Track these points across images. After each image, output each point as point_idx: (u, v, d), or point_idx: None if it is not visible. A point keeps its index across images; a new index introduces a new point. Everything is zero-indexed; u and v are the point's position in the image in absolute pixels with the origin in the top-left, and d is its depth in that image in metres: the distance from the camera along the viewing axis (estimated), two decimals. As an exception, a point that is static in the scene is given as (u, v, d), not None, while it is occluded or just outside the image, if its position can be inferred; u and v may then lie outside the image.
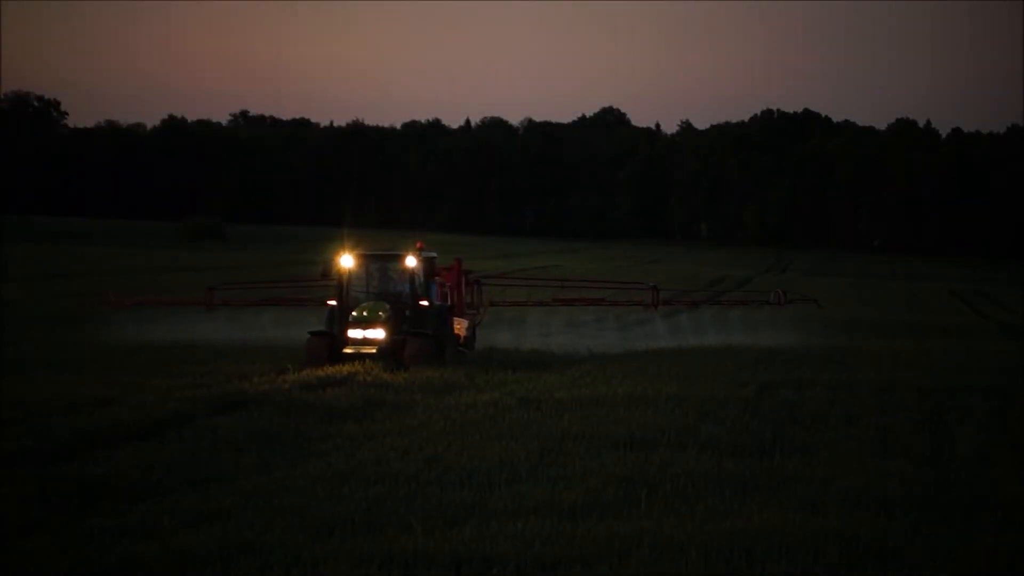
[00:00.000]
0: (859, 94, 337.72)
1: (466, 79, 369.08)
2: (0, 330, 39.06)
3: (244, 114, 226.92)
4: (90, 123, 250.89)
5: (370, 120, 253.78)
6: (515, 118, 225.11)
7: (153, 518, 14.86)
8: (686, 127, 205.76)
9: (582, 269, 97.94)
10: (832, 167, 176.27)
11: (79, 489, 16.26)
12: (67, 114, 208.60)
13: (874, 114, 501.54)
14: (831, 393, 26.40)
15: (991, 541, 14.29)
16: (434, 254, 33.93)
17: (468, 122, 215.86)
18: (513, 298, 45.49)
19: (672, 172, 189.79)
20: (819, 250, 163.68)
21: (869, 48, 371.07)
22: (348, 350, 31.00)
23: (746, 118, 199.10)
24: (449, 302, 35.33)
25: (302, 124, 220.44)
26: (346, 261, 32.32)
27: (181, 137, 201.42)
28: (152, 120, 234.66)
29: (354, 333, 31.28)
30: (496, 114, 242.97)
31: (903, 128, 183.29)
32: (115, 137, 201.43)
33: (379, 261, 33.20)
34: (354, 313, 31.56)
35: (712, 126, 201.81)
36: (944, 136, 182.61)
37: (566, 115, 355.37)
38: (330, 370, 29.08)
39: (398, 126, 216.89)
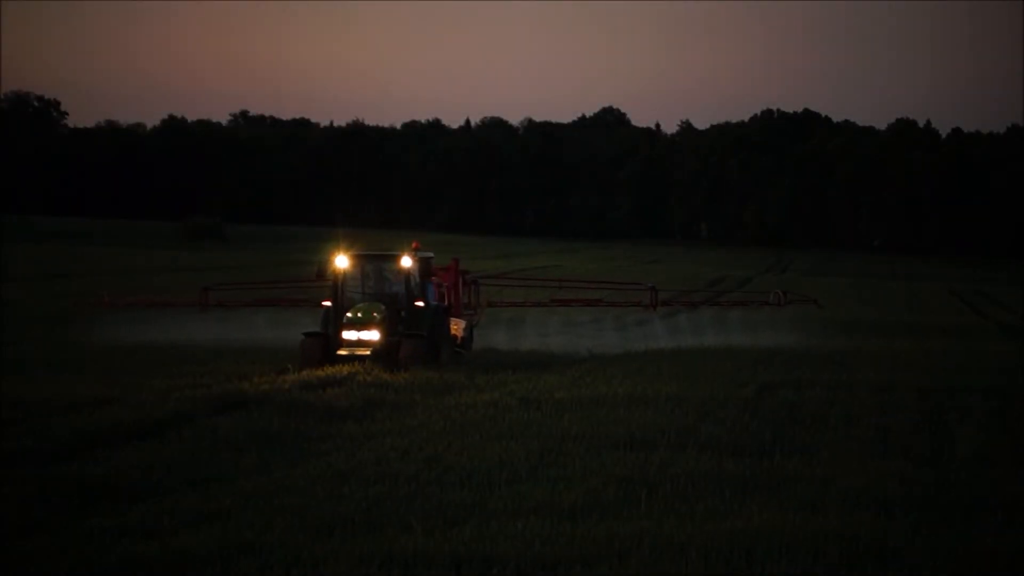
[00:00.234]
0: (859, 94, 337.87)
1: (466, 79, 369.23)
2: (0, 330, 39.06)
3: (244, 114, 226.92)
4: (90, 123, 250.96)
5: (370, 120, 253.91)
6: (515, 118, 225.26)
7: (153, 518, 14.87)
8: (686, 127, 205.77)
9: (582, 269, 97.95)
10: (832, 167, 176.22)
11: (79, 489, 16.26)
12: (67, 114, 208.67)
13: (874, 114, 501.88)
14: (831, 393, 26.40)
15: (991, 541, 14.29)
16: (430, 254, 33.69)
17: (468, 122, 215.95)
18: (511, 299, 45.37)
19: (672, 172, 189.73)
20: (819, 250, 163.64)
21: (869, 48, 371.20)
22: (342, 352, 30.69)
23: (746, 118, 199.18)
24: (446, 302, 35.14)
25: (302, 124, 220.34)
26: (341, 261, 32.01)
27: (181, 137, 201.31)
28: (152, 120, 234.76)
29: (349, 334, 30.96)
30: (496, 114, 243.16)
31: (903, 128, 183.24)
32: (115, 137, 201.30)
33: (374, 261, 32.89)
34: (348, 314, 31.23)
35: (712, 126, 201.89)
36: (944, 136, 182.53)
37: (566, 115, 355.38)
38: (330, 370, 29.03)
39: (398, 126, 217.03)
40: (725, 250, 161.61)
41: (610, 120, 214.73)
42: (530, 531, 14.28)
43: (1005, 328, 58.09)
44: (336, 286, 31.96)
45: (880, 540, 14.06)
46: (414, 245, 32.86)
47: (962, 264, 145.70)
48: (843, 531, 14.26)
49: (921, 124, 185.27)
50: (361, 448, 19.60)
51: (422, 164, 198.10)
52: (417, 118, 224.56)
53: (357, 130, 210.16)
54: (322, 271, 33.02)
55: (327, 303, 32.17)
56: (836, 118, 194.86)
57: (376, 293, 32.40)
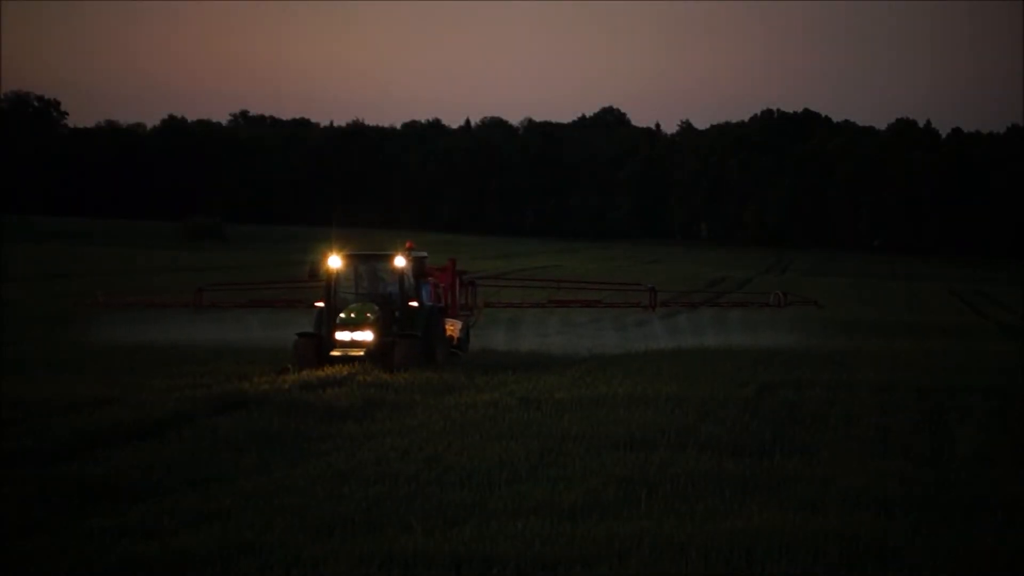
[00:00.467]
0: (859, 94, 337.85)
1: (466, 79, 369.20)
2: (0, 330, 39.06)
3: (244, 114, 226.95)
4: (90, 123, 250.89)
5: (370, 120, 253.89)
6: (515, 118, 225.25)
7: (153, 518, 14.86)
8: (686, 127, 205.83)
9: (582, 269, 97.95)
10: (832, 167, 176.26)
11: (79, 489, 16.25)
12: (67, 114, 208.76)
13: (874, 114, 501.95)
14: (831, 393, 26.40)
15: (991, 541, 14.29)
16: (424, 254, 33.32)
17: (468, 122, 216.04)
18: (509, 299, 45.24)
19: (672, 172, 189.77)
20: (819, 250, 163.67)
21: (869, 48, 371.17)
22: (336, 352, 30.37)
23: (746, 118, 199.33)
24: (443, 303, 34.88)
25: (302, 124, 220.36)
26: (334, 261, 31.66)
27: (181, 137, 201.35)
28: (152, 120, 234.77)
29: (342, 335, 30.64)
30: (496, 114, 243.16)
31: (903, 128, 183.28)
32: (115, 137, 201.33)
33: (368, 261, 32.58)
34: (342, 315, 30.89)
35: (712, 126, 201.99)
36: (944, 136, 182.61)
37: (566, 115, 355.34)
38: (330, 370, 28.98)
39: (398, 126, 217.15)
40: (725, 250, 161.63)
41: (610, 120, 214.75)
42: (530, 531, 14.28)
43: (1005, 328, 58.10)
44: (329, 286, 31.63)
45: (880, 540, 14.05)
46: (408, 245, 32.51)
47: (962, 264, 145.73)
48: (843, 531, 14.25)
49: (921, 124, 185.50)
50: (361, 448, 19.60)
51: (422, 164, 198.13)
52: (417, 118, 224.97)
53: (357, 130, 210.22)
54: (314, 271, 32.60)
55: (320, 304, 31.84)
56: (836, 118, 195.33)
57: (370, 293, 32.10)
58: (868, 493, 16.45)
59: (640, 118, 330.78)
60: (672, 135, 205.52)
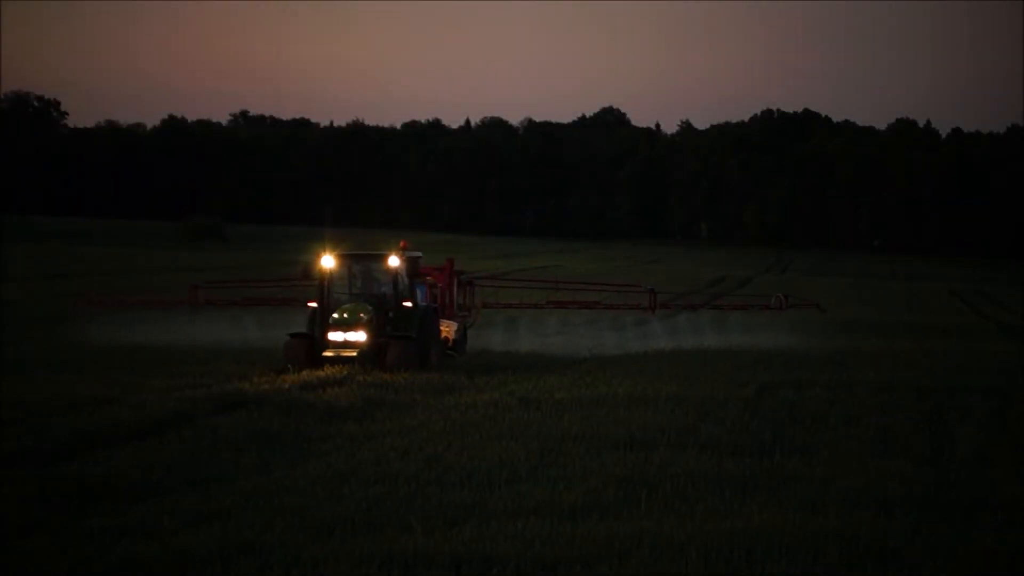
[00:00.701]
0: (859, 94, 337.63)
1: (466, 79, 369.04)
2: (0, 330, 39.05)
3: (244, 114, 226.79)
4: (90, 123, 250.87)
5: (370, 120, 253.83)
6: (515, 118, 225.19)
7: (153, 518, 14.86)
8: (686, 127, 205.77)
9: (582, 269, 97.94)
10: (832, 167, 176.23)
11: (79, 489, 16.25)
12: (67, 114, 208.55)
13: (874, 114, 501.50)
14: (831, 393, 26.42)
15: (991, 541, 14.30)
16: (419, 254, 32.94)
17: (468, 122, 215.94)
18: (507, 300, 45.07)
19: (672, 172, 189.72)
20: (819, 250, 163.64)
21: (869, 48, 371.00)
22: (328, 353, 30.01)
23: (746, 118, 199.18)
24: (439, 303, 34.61)
25: (302, 124, 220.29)
26: (327, 261, 31.35)
27: (181, 137, 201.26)
28: (152, 120, 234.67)
29: (334, 336, 30.31)
30: (496, 114, 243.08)
31: (903, 128, 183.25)
32: (115, 137, 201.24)
33: (361, 261, 32.29)
34: (334, 315, 30.56)
35: (712, 126, 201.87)
36: (944, 136, 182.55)
37: (566, 115, 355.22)
38: (329, 371, 28.92)
39: (398, 126, 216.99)
40: (725, 250, 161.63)
41: (610, 120, 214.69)
42: (530, 531, 14.28)
43: (1005, 328, 58.10)
44: (322, 286, 31.39)
45: (880, 540, 14.06)
46: (402, 244, 32.22)
47: (962, 264, 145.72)
48: (843, 531, 14.26)
49: (921, 124, 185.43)
50: (361, 448, 19.60)
51: (422, 164, 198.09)
52: (417, 118, 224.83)
53: (357, 130, 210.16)
54: (307, 271, 32.21)
55: (313, 303, 31.57)
56: (836, 118, 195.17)
57: (364, 294, 31.80)
58: (868, 493, 16.46)
59: (640, 118, 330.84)
60: (672, 135, 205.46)
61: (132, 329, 38.92)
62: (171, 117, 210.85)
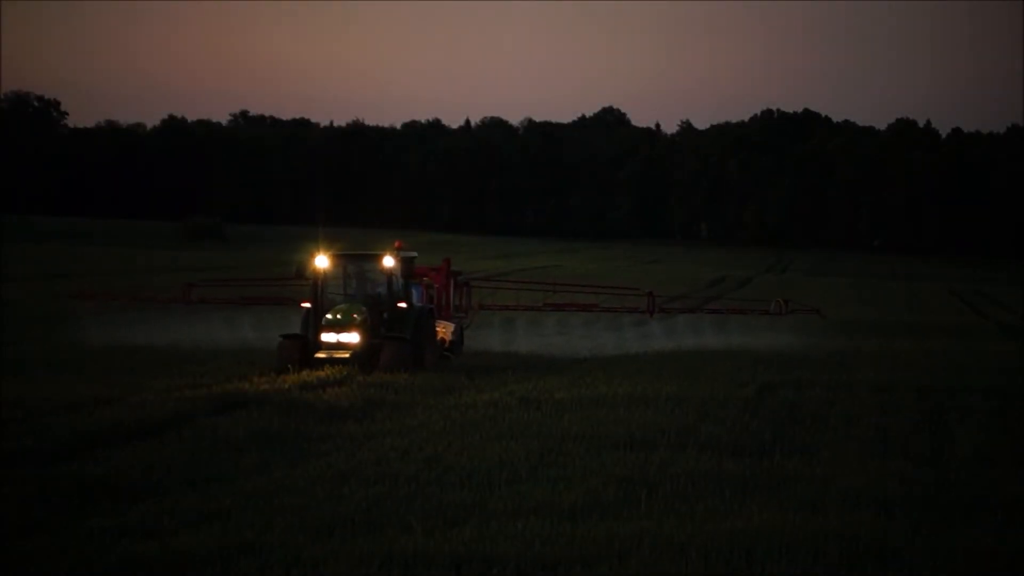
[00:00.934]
0: (859, 94, 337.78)
1: (466, 79, 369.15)
2: (0, 330, 39.04)
3: (244, 114, 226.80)
4: (90, 123, 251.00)
5: (370, 120, 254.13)
6: (515, 118, 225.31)
7: (153, 518, 14.86)
8: (686, 127, 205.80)
9: (582, 269, 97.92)
10: (832, 167, 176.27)
11: (79, 489, 16.24)
12: (67, 114, 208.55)
13: (874, 114, 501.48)
14: (831, 393, 26.42)
15: (991, 541, 14.30)
16: (414, 254, 32.69)
17: (468, 122, 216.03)
18: (503, 301, 44.86)
19: (672, 172, 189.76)
20: (819, 250, 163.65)
21: (869, 48, 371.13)
22: (320, 355, 29.62)
23: (746, 118, 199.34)
24: (435, 304, 34.25)
25: (302, 124, 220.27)
26: (321, 261, 30.94)
27: (181, 137, 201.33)
28: (152, 120, 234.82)
29: (327, 337, 29.92)
30: (496, 114, 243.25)
31: (903, 128, 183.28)
32: (115, 137, 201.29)
33: (356, 261, 31.93)
34: (328, 316, 30.17)
35: (712, 126, 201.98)
36: (944, 136, 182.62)
37: (566, 115, 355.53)
38: (329, 371, 28.85)
39: (398, 126, 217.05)
40: (725, 250, 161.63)
41: (610, 120, 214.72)
42: (530, 531, 14.28)
43: (1005, 328, 58.09)
44: (316, 286, 31.02)
45: (880, 540, 14.06)
46: (397, 244, 31.78)
47: (962, 264, 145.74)
48: (843, 531, 14.26)
49: (921, 124, 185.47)
50: (361, 448, 19.59)
51: (422, 164, 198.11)
52: (417, 118, 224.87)
53: (357, 130, 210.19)
54: (300, 271, 31.74)
55: (306, 304, 31.23)
56: (836, 118, 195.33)
57: (358, 294, 31.48)
58: (868, 493, 16.45)
59: (640, 118, 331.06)
60: (672, 135, 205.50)
61: (131, 329, 38.89)
62: (171, 117, 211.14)
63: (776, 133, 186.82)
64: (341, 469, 17.73)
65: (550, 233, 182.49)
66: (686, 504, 15.78)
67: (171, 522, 14.69)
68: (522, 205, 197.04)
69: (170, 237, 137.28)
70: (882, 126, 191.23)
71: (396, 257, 31.05)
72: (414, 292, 32.04)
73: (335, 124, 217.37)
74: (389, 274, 31.15)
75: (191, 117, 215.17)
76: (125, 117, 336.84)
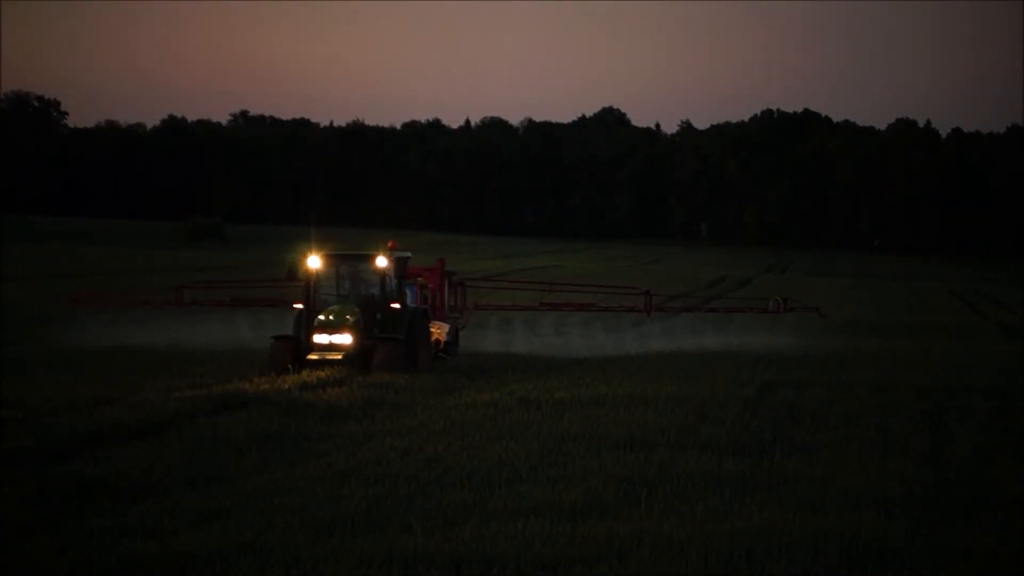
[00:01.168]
0: (859, 94, 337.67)
1: (466, 79, 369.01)
2: (0, 330, 39.03)
3: (244, 114, 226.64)
4: (90, 123, 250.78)
5: (370, 120, 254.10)
6: (515, 118, 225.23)
7: (153, 518, 14.86)
8: (686, 127, 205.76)
9: (582, 269, 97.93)
10: (832, 167, 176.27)
11: (79, 489, 16.24)
12: (67, 114, 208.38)
13: (874, 114, 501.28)
14: (831, 393, 26.42)
15: (991, 541, 14.29)
16: (408, 254, 32.24)
17: (468, 122, 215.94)
18: (499, 301, 44.65)
19: (672, 172, 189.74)
20: (819, 250, 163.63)
21: (869, 48, 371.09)
22: (313, 356, 29.28)
23: (746, 118, 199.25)
24: (429, 304, 33.98)
25: (302, 124, 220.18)
26: (313, 262, 30.59)
27: (181, 137, 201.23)
28: (152, 120, 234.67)
29: (319, 338, 29.59)
30: (496, 114, 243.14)
31: (903, 128, 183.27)
32: (115, 137, 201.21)
33: (348, 262, 31.57)
34: (320, 317, 29.83)
35: (712, 126, 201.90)
36: (944, 136, 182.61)
37: (566, 115, 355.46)
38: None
39: (398, 126, 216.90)
40: (725, 250, 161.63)
41: (610, 120, 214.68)
42: (530, 531, 14.28)
43: (1005, 328, 58.11)
44: (308, 287, 30.68)
45: (880, 540, 14.06)
46: (390, 244, 31.53)
47: (962, 264, 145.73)
48: (843, 531, 14.25)
49: (921, 124, 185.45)
50: (361, 448, 19.60)
51: (422, 164, 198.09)
52: (417, 118, 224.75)
53: (357, 130, 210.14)
54: (292, 271, 31.34)
55: (298, 305, 30.94)
56: (836, 118, 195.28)
57: (351, 295, 31.16)
58: (868, 493, 16.45)
59: (640, 118, 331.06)
60: (672, 135, 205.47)
61: (131, 329, 38.88)
62: (171, 117, 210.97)
63: (776, 133, 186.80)
64: (341, 469, 17.73)
65: (550, 233, 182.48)
66: (686, 504, 15.78)
67: (171, 522, 14.69)
68: (522, 205, 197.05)
69: (170, 237, 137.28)
70: (882, 126, 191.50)
71: (389, 257, 30.76)
72: (408, 292, 31.77)
73: (335, 124, 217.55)
74: (382, 274, 30.87)
75: (191, 117, 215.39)
76: (125, 117, 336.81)
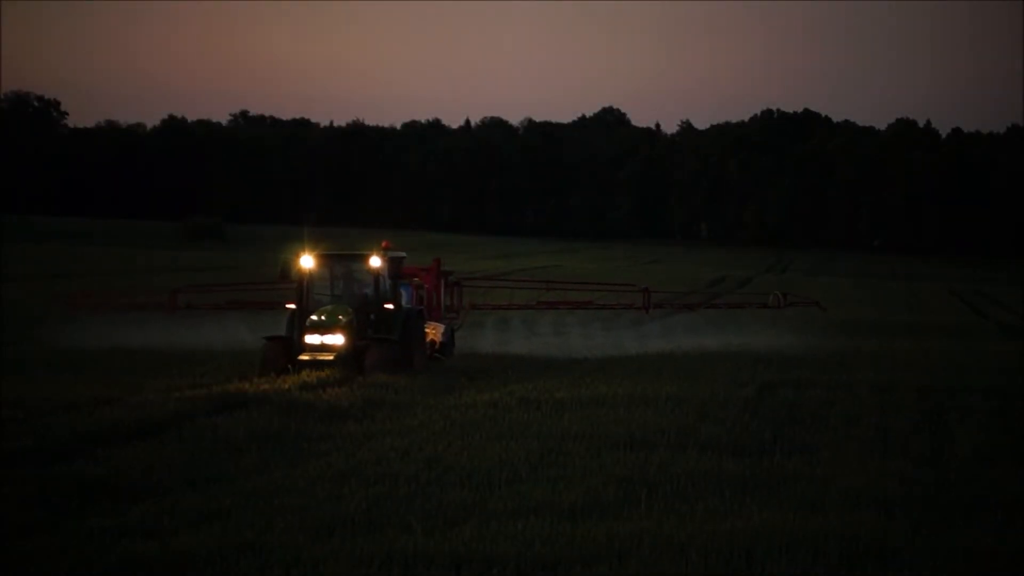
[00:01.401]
0: (859, 94, 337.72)
1: (466, 79, 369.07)
2: (0, 330, 39.02)
3: (244, 114, 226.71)
4: (90, 123, 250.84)
5: (370, 120, 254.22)
6: (515, 118, 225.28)
7: (153, 518, 14.86)
8: (686, 127, 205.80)
9: (581, 269, 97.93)
10: (832, 167, 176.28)
11: (79, 489, 16.24)
12: (67, 114, 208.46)
13: (874, 114, 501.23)
14: (831, 393, 26.42)
15: (991, 541, 14.30)
16: (403, 254, 32.10)
17: (468, 122, 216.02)
18: (495, 301, 44.45)
19: (672, 172, 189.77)
20: (819, 250, 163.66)
21: (869, 48, 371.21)
22: (304, 357, 28.88)
23: (746, 118, 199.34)
24: (425, 305, 33.75)
25: (302, 124, 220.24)
26: (306, 261, 30.27)
27: (181, 137, 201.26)
28: (152, 120, 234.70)
29: (311, 339, 29.23)
30: (496, 114, 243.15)
31: (903, 128, 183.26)
32: (115, 137, 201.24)
33: (342, 262, 31.29)
34: (313, 317, 29.51)
35: (712, 126, 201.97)
36: (944, 136, 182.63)
37: (566, 115, 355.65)
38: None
39: (398, 126, 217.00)
40: (725, 250, 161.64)
41: (610, 120, 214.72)
42: (530, 531, 14.28)
43: (1005, 328, 58.12)
44: (301, 287, 30.38)
45: (880, 540, 14.06)
46: (384, 244, 31.14)
47: (962, 264, 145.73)
48: (843, 531, 14.26)
49: (921, 124, 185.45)
50: (361, 448, 19.60)
51: (422, 164, 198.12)
52: (417, 118, 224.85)
53: (357, 130, 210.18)
54: (285, 272, 31.15)
55: (291, 305, 30.66)
56: (836, 118, 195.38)
57: (345, 295, 30.92)
58: (868, 493, 16.46)
59: (640, 118, 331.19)
60: (672, 135, 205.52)
61: (131, 330, 38.82)
62: (171, 117, 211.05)
63: (776, 133, 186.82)
64: (341, 469, 17.73)
65: (550, 233, 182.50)
66: (686, 504, 15.78)
67: (171, 522, 14.69)
68: (522, 205, 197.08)
69: (170, 237, 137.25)
70: (882, 126, 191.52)
71: (383, 257, 30.46)
72: (403, 293, 31.52)
73: (335, 124, 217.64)
74: (376, 274, 30.56)
75: (191, 117, 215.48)
76: (125, 117, 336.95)
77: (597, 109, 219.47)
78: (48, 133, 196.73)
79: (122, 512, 15.23)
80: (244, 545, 13.59)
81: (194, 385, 26.15)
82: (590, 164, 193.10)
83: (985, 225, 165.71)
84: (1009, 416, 24.29)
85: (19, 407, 22.15)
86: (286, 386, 26.07)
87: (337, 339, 29.35)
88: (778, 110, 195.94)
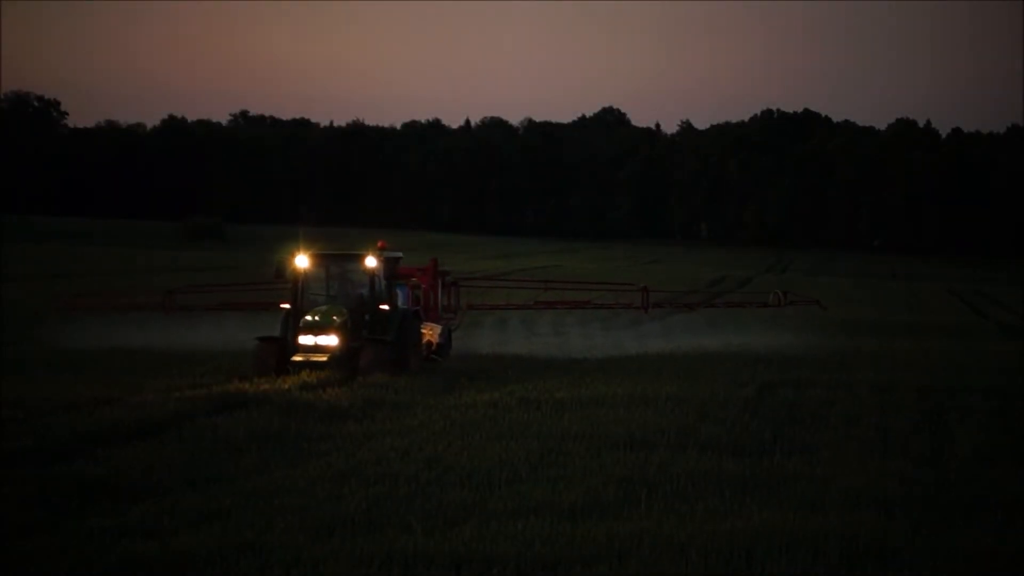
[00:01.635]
0: (859, 94, 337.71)
1: (466, 79, 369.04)
2: (0, 330, 39.01)
3: (244, 114, 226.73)
4: (90, 123, 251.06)
5: (370, 120, 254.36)
6: (515, 118, 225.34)
7: (153, 518, 14.86)
8: (686, 127, 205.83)
9: (581, 269, 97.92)
10: (832, 167, 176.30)
11: (79, 489, 16.24)
12: (67, 114, 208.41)
13: (874, 114, 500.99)
14: (831, 393, 26.41)
15: (991, 541, 14.30)
16: (399, 254, 31.87)
17: (468, 122, 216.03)
18: (493, 301, 44.29)
19: (672, 172, 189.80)
20: (819, 250, 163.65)
21: (869, 48, 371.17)
22: (297, 358, 28.59)
23: (746, 118, 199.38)
24: (423, 305, 33.51)
25: (302, 124, 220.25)
26: (301, 261, 30.01)
27: (181, 137, 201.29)
28: (152, 120, 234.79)
29: (305, 339, 28.89)
30: (496, 114, 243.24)
31: (903, 128, 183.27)
32: (115, 137, 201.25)
33: (337, 262, 30.97)
34: (307, 317, 29.19)
35: (712, 126, 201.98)
36: (944, 136, 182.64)
37: (566, 115, 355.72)
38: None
39: (398, 126, 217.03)
40: (725, 250, 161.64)
41: (610, 120, 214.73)
42: (530, 531, 14.28)
43: (1005, 328, 58.11)
44: (296, 288, 30.08)
45: (880, 540, 14.06)
46: (380, 244, 30.88)
47: (962, 264, 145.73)
48: (843, 531, 14.26)
49: (921, 124, 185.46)
50: (361, 448, 19.59)
51: (422, 164, 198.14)
52: (417, 118, 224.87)
53: (357, 130, 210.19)
54: (280, 272, 30.77)
55: (285, 305, 30.40)
56: (836, 118, 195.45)
57: (341, 296, 30.49)
58: (868, 493, 16.46)
59: (640, 118, 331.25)
60: (672, 135, 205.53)
61: (131, 330, 38.80)
62: (171, 117, 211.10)
63: (776, 133, 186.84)
64: (341, 469, 17.73)
65: (550, 233, 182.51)
66: (686, 504, 15.78)
67: (171, 522, 14.69)
68: (522, 205, 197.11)
69: (170, 237, 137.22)
70: (882, 126, 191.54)
71: (379, 257, 30.23)
72: (399, 293, 31.26)
73: (335, 124, 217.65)
74: (372, 275, 30.31)
75: (191, 117, 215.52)
76: (125, 117, 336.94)
77: (597, 109, 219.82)
78: (48, 133, 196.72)
79: (122, 512, 15.23)
80: (244, 545, 13.59)
81: (194, 385, 26.14)
82: (590, 164, 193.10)
83: (985, 225, 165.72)
84: (1009, 416, 24.29)
85: (19, 407, 22.14)
86: (286, 386, 26.06)
87: (331, 340, 29.05)
88: (778, 110, 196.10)
